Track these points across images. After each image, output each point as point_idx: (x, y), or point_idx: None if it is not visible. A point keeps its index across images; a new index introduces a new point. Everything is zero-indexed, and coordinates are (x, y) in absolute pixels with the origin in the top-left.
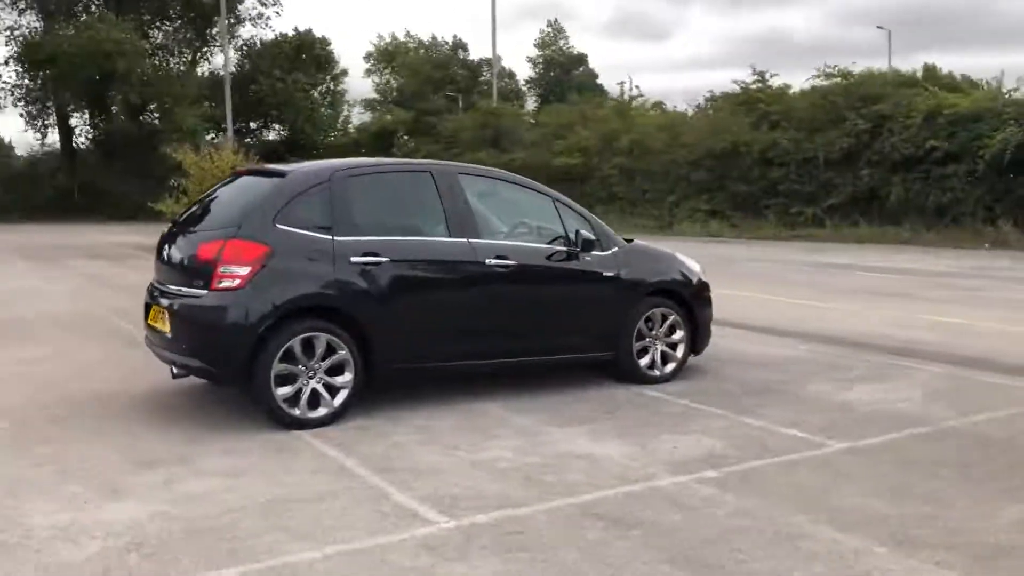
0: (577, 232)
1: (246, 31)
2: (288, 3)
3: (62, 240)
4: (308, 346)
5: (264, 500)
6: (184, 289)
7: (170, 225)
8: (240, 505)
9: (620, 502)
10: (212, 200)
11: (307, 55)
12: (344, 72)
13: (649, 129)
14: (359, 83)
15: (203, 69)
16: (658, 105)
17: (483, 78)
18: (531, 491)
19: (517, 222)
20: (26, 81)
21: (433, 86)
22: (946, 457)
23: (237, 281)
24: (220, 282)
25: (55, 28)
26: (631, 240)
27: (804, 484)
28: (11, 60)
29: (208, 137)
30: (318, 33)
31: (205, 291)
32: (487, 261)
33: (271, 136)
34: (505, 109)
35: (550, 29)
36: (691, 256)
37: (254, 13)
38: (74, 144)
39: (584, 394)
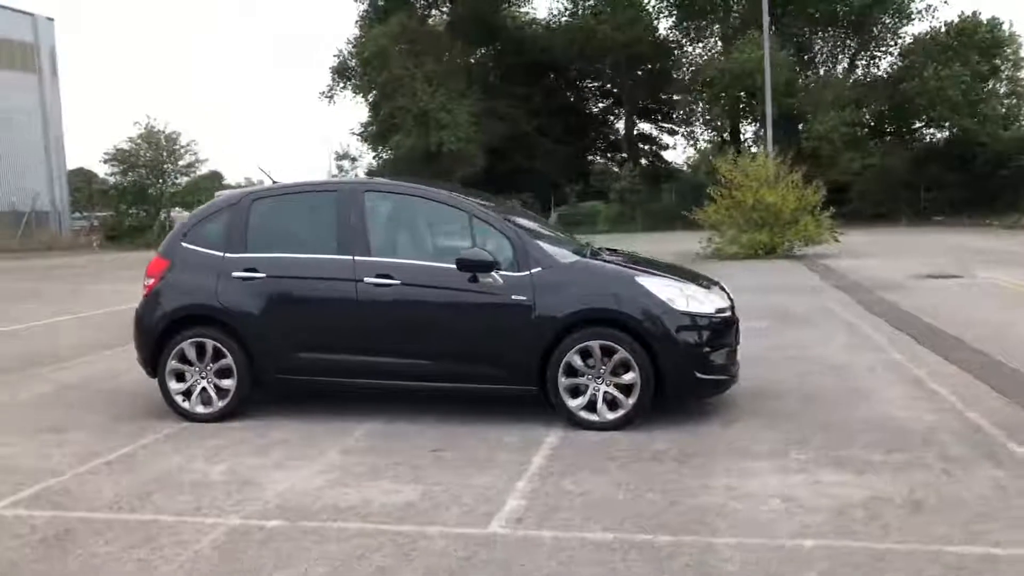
0: (467, 252)
1: (913, 27)
2: None
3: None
4: (202, 350)
5: None
6: None
7: None
8: None
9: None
10: None
11: (968, 43)
12: None
13: None
14: None
15: (858, 73)
16: None
17: None
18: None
19: (436, 240)
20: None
21: None
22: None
23: (146, 290)
24: (144, 291)
25: (730, 53)
26: (584, 256)
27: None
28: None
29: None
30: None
31: None
32: (365, 279)
33: (939, 135)
34: None
35: None
36: None
37: (922, 6)
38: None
39: (472, 430)
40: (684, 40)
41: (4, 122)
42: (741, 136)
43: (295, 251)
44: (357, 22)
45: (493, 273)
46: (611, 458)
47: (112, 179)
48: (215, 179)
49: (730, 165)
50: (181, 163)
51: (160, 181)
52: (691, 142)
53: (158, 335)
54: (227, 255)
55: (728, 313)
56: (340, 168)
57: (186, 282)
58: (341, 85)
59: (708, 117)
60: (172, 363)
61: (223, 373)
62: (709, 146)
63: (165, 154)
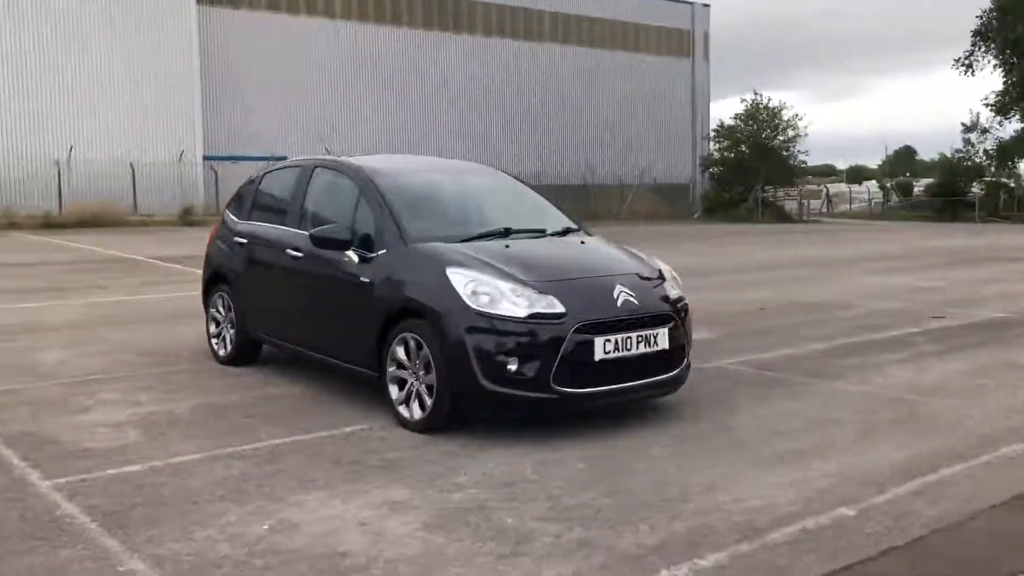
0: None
1: None
2: None
3: None
4: (223, 302)
5: None
6: None
7: None
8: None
9: None
10: None
11: None
12: None
13: None
14: None
15: None
16: None
17: None
18: None
19: (339, 215)
20: None
21: None
22: None
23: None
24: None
25: None
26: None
27: None
28: None
29: None
30: None
31: None
32: (287, 251)
33: None
34: None
35: None
36: None
37: None
38: None
39: (330, 409)
40: None
41: (661, 104)
42: None
43: (267, 221)
44: None
45: (348, 252)
46: (316, 455)
47: (717, 155)
48: (910, 154)
49: None
50: (780, 138)
51: (759, 156)
52: None
53: (204, 286)
54: (238, 222)
55: (558, 320)
56: (966, 141)
57: (217, 244)
58: (982, 49)
59: None
60: (211, 311)
61: (233, 324)
62: None
63: (768, 129)
